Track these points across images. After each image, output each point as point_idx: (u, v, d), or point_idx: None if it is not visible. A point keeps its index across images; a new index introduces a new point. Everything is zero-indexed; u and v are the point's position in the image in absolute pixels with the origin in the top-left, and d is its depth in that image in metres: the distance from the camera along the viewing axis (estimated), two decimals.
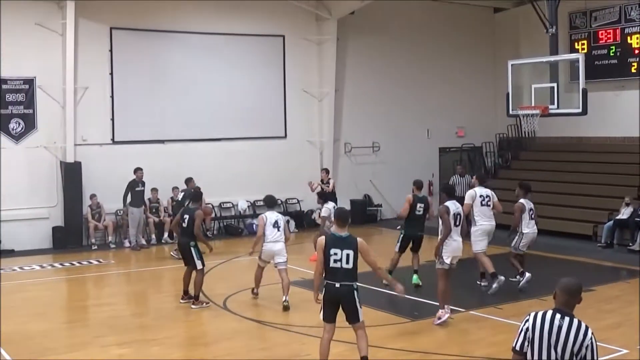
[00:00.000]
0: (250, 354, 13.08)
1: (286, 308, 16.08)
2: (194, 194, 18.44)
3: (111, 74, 25.66)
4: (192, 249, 16.66)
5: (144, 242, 24.82)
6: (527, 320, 7.08)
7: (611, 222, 23.76)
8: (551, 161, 29.18)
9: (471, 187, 18.53)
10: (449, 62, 32.01)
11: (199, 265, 16.57)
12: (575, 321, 6.98)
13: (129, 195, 24.16)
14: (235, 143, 27.80)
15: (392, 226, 28.02)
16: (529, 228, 17.70)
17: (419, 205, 18.05)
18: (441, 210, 15.13)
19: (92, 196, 24.74)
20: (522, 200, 17.81)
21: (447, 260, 15.01)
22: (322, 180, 23.94)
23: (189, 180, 23.22)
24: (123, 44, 25.81)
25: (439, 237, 15.06)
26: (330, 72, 29.11)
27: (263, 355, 13.07)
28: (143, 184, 24.46)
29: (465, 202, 17.46)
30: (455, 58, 32.14)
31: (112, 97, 25.69)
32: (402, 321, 15.23)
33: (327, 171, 24.54)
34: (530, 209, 17.76)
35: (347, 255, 11.42)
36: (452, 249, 15.02)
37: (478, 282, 18.21)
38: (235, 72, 27.98)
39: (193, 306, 16.50)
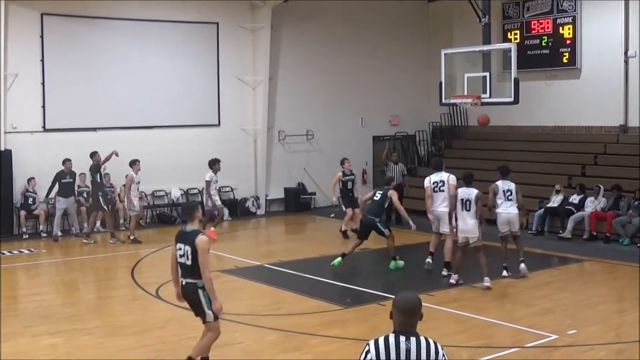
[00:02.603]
0: (182, 342, 12.98)
1: None
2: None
3: (42, 60, 25.28)
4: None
5: (80, 230, 24.45)
6: (368, 350, 6.23)
7: (542, 210, 24.05)
8: (483, 150, 29.43)
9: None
10: (384, 51, 32.08)
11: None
12: (423, 340, 6.33)
13: (56, 185, 23.87)
14: (169, 131, 27.62)
15: (325, 214, 28.14)
16: (501, 209, 18.01)
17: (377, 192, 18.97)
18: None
19: (30, 179, 24.33)
20: (497, 182, 18.24)
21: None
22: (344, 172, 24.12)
23: (93, 154, 23.20)
24: (54, 30, 25.44)
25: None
26: (265, 60, 29.03)
27: (195, 343, 13.00)
28: (72, 174, 24.01)
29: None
30: (389, 47, 32.22)
31: (42, 84, 25.31)
32: (335, 308, 15.25)
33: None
34: (507, 190, 18.08)
35: (187, 251, 10.85)
36: (460, 229, 16.82)
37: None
38: (168, 60, 27.79)
39: None
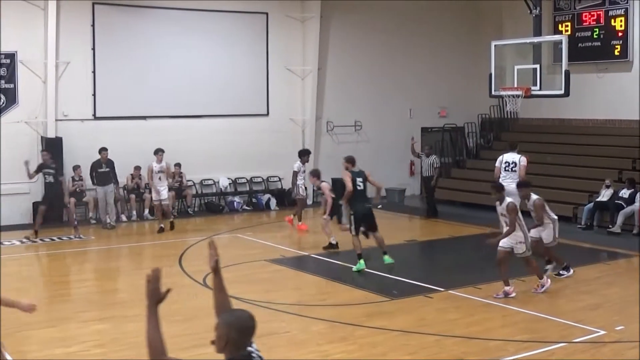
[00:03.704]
0: None
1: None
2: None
3: (93, 49, 25.48)
4: None
5: (108, 220, 24.28)
6: None
7: (591, 204, 23.81)
8: (533, 142, 29.16)
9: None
10: (433, 42, 31.92)
11: None
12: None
13: (94, 175, 24.15)
14: (218, 120, 27.71)
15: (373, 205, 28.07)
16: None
17: (358, 180, 18.22)
18: (512, 207, 15.28)
19: (76, 167, 24.52)
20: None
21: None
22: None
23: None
24: (105, 19, 25.62)
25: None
26: (314, 50, 29.02)
27: None
28: (108, 163, 24.08)
29: None
30: (438, 38, 32.06)
31: (93, 72, 25.52)
32: (381, 300, 15.24)
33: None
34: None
35: None
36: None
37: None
38: (218, 49, 27.87)
39: None
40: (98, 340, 12.80)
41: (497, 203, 15.48)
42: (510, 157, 19.64)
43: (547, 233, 16.36)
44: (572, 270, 16.95)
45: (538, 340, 12.66)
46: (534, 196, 16.24)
